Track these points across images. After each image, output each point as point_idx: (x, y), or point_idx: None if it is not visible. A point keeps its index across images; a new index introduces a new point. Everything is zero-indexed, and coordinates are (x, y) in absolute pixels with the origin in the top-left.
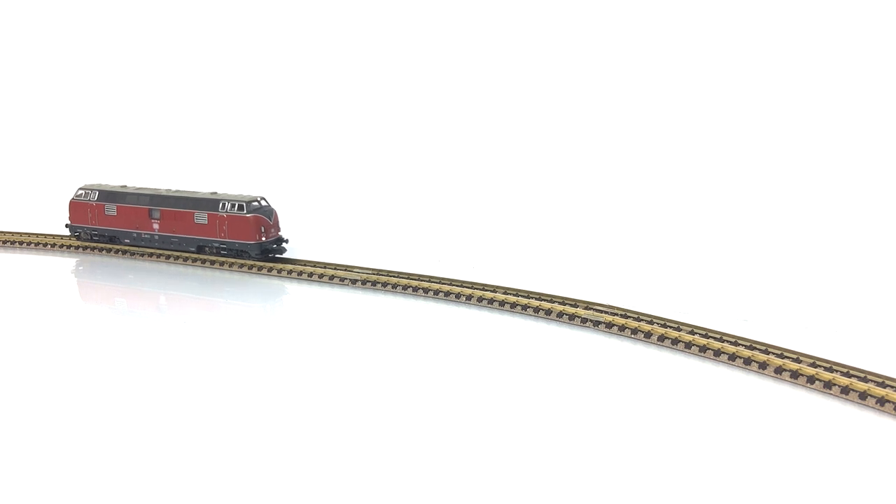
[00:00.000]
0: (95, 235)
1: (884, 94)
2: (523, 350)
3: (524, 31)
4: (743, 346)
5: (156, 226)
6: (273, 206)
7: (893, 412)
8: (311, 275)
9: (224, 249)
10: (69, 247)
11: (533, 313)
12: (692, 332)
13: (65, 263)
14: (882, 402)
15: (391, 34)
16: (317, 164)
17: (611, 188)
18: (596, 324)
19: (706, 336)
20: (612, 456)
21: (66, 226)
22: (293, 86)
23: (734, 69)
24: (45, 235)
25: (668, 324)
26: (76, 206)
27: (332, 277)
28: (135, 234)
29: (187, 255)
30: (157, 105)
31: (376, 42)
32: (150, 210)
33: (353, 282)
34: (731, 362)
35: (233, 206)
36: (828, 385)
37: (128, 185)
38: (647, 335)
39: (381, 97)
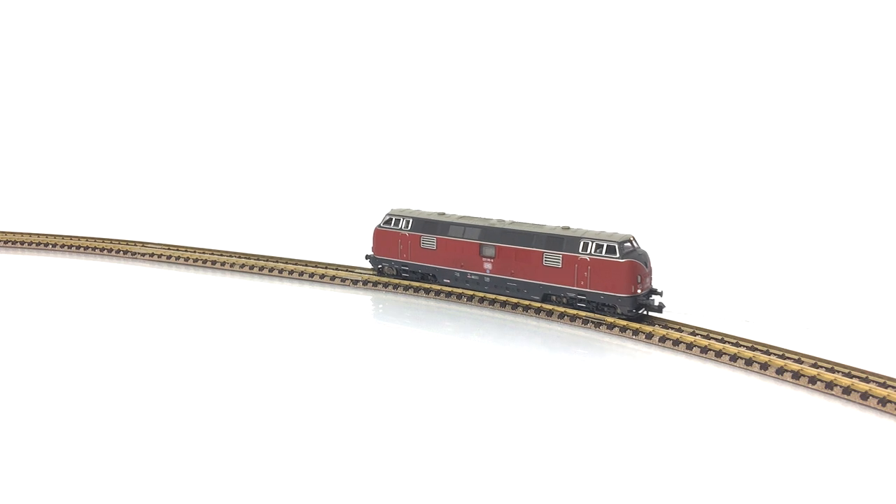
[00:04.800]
0: (405, 271)
1: (883, 95)
2: (523, 351)
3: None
4: (744, 347)
5: (488, 265)
6: (644, 247)
7: (895, 413)
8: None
9: (581, 301)
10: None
11: (535, 314)
12: (693, 334)
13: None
14: (884, 402)
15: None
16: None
17: (610, 188)
18: (597, 325)
19: (707, 337)
20: (613, 457)
21: (367, 257)
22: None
23: (734, 70)
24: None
25: (669, 325)
26: (383, 236)
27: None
28: (458, 274)
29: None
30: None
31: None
32: (481, 246)
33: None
34: (732, 363)
35: (599, 247)
36: (829, 386)
37: (445, 213)
38: (649, 336)
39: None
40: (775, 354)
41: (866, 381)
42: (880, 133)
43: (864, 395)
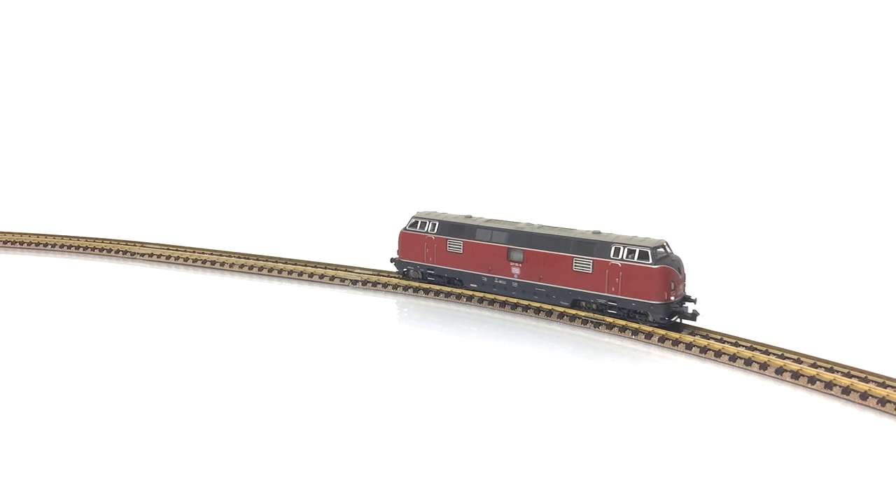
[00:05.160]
0: (430, 275)
1: (883, 95)
2: (526, 350)
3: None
4: (744, 346)
5: (516, 270)
6: (677, 252)
7: (894, 412)
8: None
9: (612, 308)
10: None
11: (534, 314)
12: (693, 334)
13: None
14: (883, 402)
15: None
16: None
17: (609, 188)
18: (597, 325)
19: (707, 337)
20: (613, 458)
21: (392, 261)
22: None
23: (736, 71)
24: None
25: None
26: (408, 239)
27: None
28: (485, 279)
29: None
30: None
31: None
32: (508, 250)
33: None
34: (731, 363)
35: (631, 252)
36: (829, 385)
37: (472, 216)
38: (648, 336)
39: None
40: (775, 354)
41: (865, 380)
42: (880, 133)
43: (864, 395)
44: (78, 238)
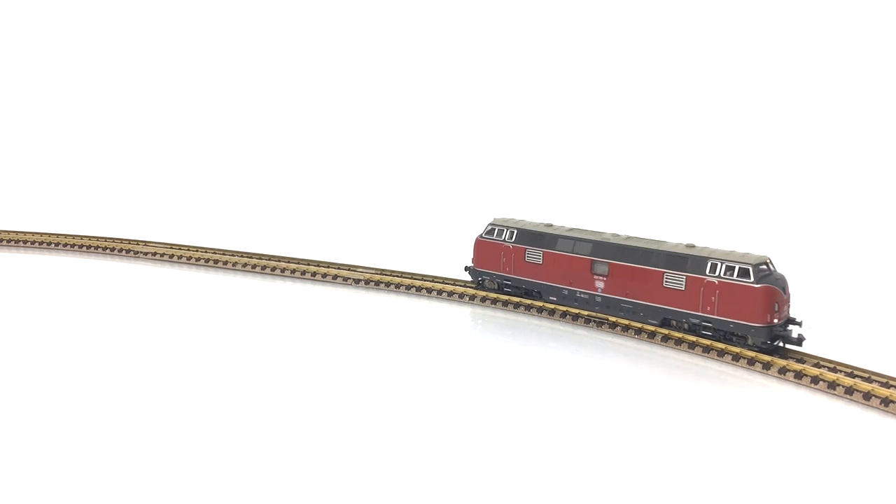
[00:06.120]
0: (507, 286)
1: (884, 95)
2: (529, 349)
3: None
4: (747, 346)
5: (600, 284)
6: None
7: None
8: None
9: (707, 329)
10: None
11: (537, 313)
12: (777, 355)
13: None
14: (886, 402)
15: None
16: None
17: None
18: (599, 323)
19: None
20: (616, 458)
21: (467, 269)
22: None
23: (737, 72)
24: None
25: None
26: (484, 247)
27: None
28: (566, 292)
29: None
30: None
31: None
32: (592, 262)
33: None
34: (734, 363)
35: (730, 268)
36: (832, 386)
37: (553, 224)
38: (651, 335)
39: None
40: (778, 355)
41: (869, 381)
42: (880, 131)
43: (867, 396)
44: (82, 237)
